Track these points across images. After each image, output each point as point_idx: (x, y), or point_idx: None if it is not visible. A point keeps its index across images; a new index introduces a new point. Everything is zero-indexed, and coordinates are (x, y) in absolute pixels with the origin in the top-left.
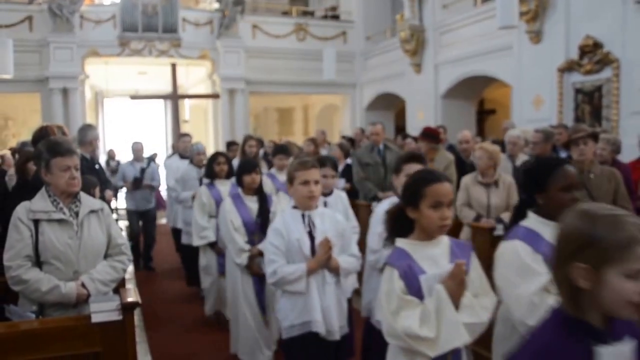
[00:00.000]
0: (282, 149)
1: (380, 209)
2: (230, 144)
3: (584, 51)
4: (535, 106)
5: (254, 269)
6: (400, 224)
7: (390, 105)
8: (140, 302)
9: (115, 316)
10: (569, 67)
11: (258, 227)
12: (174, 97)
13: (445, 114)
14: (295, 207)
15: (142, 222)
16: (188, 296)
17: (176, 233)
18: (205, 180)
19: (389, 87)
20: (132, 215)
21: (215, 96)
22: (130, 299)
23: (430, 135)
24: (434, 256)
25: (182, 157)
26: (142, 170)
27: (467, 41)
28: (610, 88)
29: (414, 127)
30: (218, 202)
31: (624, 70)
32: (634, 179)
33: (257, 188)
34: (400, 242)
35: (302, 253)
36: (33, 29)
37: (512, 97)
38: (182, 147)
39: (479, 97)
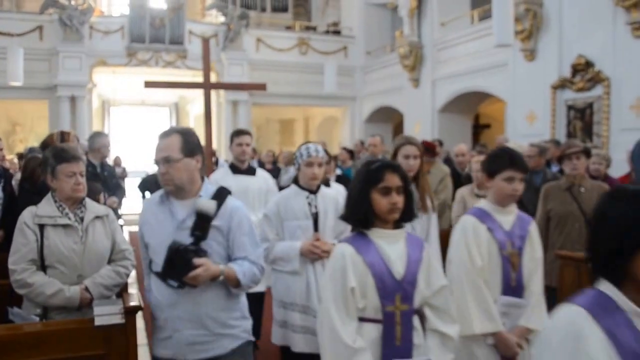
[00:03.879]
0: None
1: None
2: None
3: (576, 69)
4: (529, 121)
5: None
6: None
7: (389, 118)
8: (142, 306)
9: (118, 320)
10: (561, 85)
11: None
12: (207, 87)
13: (441, 128)
14: None
15: None
16: None
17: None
18: (340, 229)
19: (387, 100)
20: None
21: (260, 86)
22: (132, 303)
23: (427, 148)
24: None
25: (236, 169)
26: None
27: (464, 58)
28: (601, 105)
29: None
30: (382, 280)
31: (614, 88)
32: None
33: None
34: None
35: None
36: (43, 38)
37: (506, 113)
38: (239, 152)
39: (475, 111)
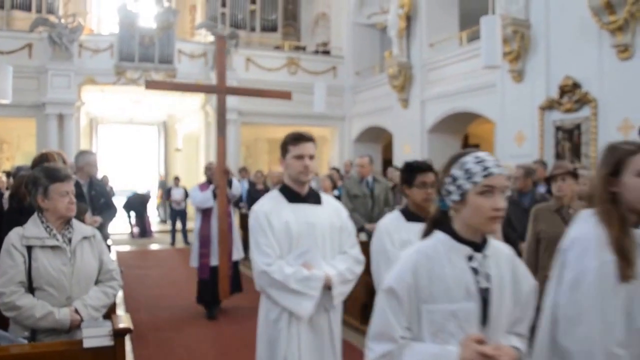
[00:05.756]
0: None
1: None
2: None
3: (563, 91)
4: (518, 142)
5: None
6: None
7: (378, 138)
8: (132, 329)
9: (107, 342)
10: (549, 106)
11: None
12: (221, 91)
13: (431, 148)
14: None
15: None
16: (179, 322)
17: None
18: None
19: (376, 120)
20: None
21: (284, 95)
22: (122, 325)
23: None
24: None
25: (293, 196)
26: None
27: (453, 79)
28: (588, 126)
29: (400, 160)
30: None
31: (601, 109)
32: None
33: None
34: None
35: None
36: (32, 56)
37: (495, 133)
38: (299, 169)
39: (464, 132)
